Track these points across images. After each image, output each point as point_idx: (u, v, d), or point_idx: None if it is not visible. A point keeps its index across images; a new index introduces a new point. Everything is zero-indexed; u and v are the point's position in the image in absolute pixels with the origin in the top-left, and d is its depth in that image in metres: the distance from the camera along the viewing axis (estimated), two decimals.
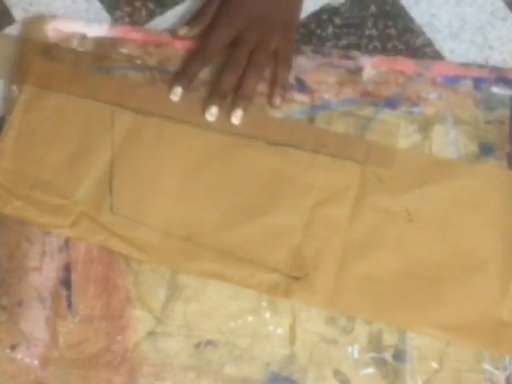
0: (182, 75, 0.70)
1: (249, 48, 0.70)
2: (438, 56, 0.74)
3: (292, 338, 0.63)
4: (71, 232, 0.66)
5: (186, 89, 0.69)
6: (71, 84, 0.70)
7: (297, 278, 0.64)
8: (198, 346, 0.63)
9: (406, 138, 0.69)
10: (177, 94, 0.69)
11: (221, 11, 0.71)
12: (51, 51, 0.72)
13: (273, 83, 0.70)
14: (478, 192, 0.66)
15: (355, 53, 0.72)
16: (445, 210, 0.66)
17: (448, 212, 0.66)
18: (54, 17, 0.75)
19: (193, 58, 0.70)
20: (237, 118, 0.68)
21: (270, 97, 0.70)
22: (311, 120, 0.70)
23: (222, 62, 0.70)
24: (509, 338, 0.62)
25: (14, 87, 0.71)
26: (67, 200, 0.66)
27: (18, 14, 0.76)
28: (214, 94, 0.69)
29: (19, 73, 0.72)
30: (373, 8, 0.76)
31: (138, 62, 0.72)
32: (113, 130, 0.69)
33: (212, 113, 0.68)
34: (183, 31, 0.71)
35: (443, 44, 0.74)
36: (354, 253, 0.65)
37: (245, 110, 0.68)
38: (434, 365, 0.62)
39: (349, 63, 0.72)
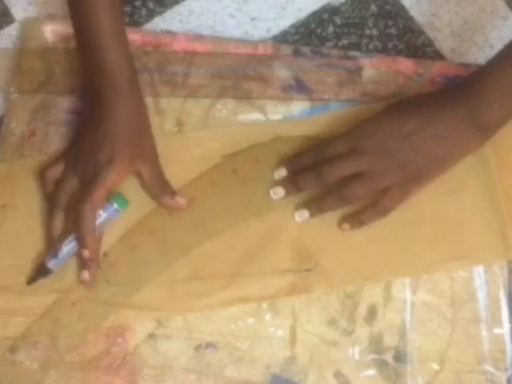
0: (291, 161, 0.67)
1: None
2: (438, 56, 0.74)
3: (292, 339, 0.63)
4: (82, 325, 0.63)
5: None
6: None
7: (309, 270, 0.64)
8: (198, 348, 0.63)
9: None
10: None
11: None
12: (49, 53, 0.72)
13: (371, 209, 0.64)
14: None
15: (354, 53, 0.72)
16: None
17: None
18: (52, 18, 0.75)
19: None
20: (300, 217, 0.66)
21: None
22: None
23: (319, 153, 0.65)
24: None
25: (12, 89, 0.71)
26: (62, 292, 0.64)
27: (17, 13, 0.77)
28: (293, 183, 0.66)
29: (17, 75, 0.72)
30: (373, 7, 0.76)
31: (137, 63, 0.71)
32: None
33: (278, 194, 0.66)
34: None
35: (444, 44, 0.74)
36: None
37: (311, 216, 0.65)
38: (435, 366, 0.62)
39: (348, 63, 0.72)
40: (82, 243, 0.62)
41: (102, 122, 0.64)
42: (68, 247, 0.63)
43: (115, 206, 0.64)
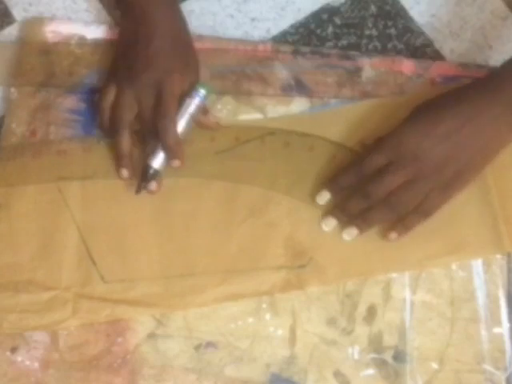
0: (333, 184, 0.66)
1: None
2: (438, 56, 0.74)
3: (292, 339, 0.63)
4: (76, 320, 0.63)
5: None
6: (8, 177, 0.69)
7: (303, 266, 0.65)
8: (198, 347, 0.63)
9: None
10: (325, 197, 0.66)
11: None
12: (49, 53, 0.72)
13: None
14: None
15: (354, 53, 0.72)
16: None
17: None
18: (52, 18, 0.75)
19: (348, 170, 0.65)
20: (350, 234, 0.65)
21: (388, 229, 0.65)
22: None
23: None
24: (508, 231, 0.66)
25: (12, 89, 0.71)
26: (57, 289, 0.64)
27: (18, 13, 0.77)
28: (341, 212, 0.65)
29: (17, 76, 0.72)
30: (373, 8, 0.76)
31: None
32: (68, 205, 0.67)
33: (330, 225, 0.65)
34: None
35: (443, 44, 0.74)
36: None
37: (361, 232, 0.65)
38: (434, 365, 0.63)
39: (348, 64, 0.72)
40: (172, 155, 0.65)
41: (151, 40, 0.66)
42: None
43: (202, 91, 0.66)
